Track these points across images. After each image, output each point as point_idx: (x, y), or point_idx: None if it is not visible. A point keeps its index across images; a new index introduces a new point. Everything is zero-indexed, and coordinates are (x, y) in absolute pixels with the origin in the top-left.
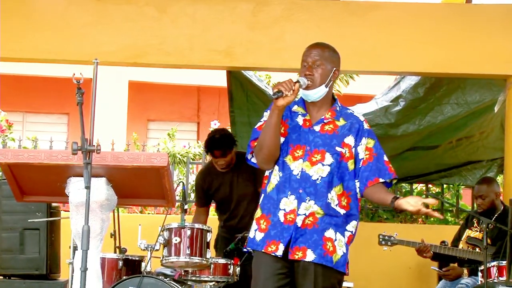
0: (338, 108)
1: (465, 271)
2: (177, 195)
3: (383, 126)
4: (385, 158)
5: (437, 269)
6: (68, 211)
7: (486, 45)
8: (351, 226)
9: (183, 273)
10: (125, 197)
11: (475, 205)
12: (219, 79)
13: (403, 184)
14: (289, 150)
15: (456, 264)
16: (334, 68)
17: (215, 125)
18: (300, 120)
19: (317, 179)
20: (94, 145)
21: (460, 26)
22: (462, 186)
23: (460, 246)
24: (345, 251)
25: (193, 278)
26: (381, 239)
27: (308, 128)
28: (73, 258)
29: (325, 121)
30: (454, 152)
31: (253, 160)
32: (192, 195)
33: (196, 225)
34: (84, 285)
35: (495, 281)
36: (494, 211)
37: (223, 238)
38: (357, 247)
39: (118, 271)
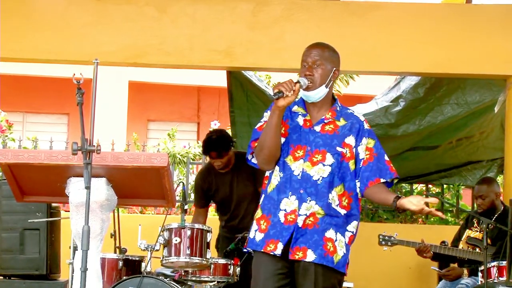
0: (338, 108)
1: (465, 271)
2: (177, 195)
3: (383, 126)
4: (386, 158)
5: (437, 269)
6: (68, 211)
7: (486, 45)
8: (352, 226)
9: (183, 273)
10: (125, 197)
11: (475, 205)
12: (219, 79)
13: (403, 184)
14: (289, 150)
15: (456, 264)
16: (334, 68)
17: (215, 125)
18: (300, 120)
19: (318, 179)
20: (94, 145)
21: (460, 26)
22: (462, 186)
23: (460, 246)
24: (345, 251)
25: (193, 278)
26: (381, 239)
27: (308, 129)
28: (73, 258)
29: (325, 121)
30: (454, 152)
31: (254, 160)
32: (192, 195)
33: (196, 225)
34: (84, 285)
35: (495, 281)
36: (494, 211)
37: (224, 238)
38: (357, 247)
39: (118, 271)
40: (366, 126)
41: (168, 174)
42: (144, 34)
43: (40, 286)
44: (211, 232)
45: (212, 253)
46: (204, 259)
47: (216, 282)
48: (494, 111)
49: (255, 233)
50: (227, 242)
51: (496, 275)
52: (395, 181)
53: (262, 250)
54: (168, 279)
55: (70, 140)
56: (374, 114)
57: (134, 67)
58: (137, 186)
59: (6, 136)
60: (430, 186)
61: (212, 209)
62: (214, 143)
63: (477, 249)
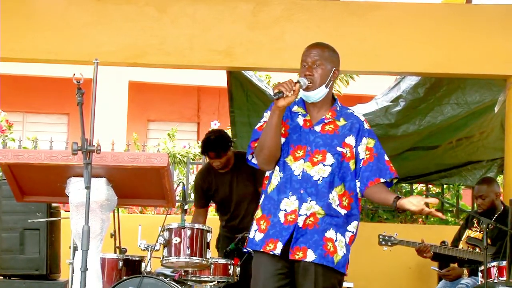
0: (338, 108)
1: (465, 271)
2: (177, 195)
3: (383, 126)
4: (386, 158)
5: (437, 269)
6: (68, 211)
7: (486, 45)
8: (352, 226)
9: (183, 274)
10: (125, 197)
11: (475, 205)
12: (219, 79)
13: (403, 184)
14: (289, 150)
15: (456, 264)
16: (334, 68)
17: (215, 125)
18: (300, 120)
19: (318, 179)
20: (94, 145)
21: (460, 26)
22: (462, 186)
23: (460, 246)
24: (345, 251)
25: (193, 278)
26: (381, 239)
27: (308, 129)
28: (73, 258)
29: (325, 121)
30: (454, 152)
31: (254, 161)
32: (192, 195)
33: (196, 225)
34: (84, 285)
35: (495, 281)
36: (494, 211)
37: (225, 237)
38: (357, 247)
39: (118, 271)
40: (366, 126)
41: (168, 174)
42: (144, 34)
43: (40, 286)
44: (211, 232)
45: (212, 253)
46: (204, 259)
47: (216, 282)
48: (494, 111)
49: (255, 233)
50: (227, 242)
51: (496, 275)
52: (395, 181)
53: (262, 250)
54: (168, 279)
55: (70, 140)
56: (374, 114)
57: (134, 67)
58: (137, 186)
59: (6, 136)
60: (430, 186)
61: (212, 209)
62: (213, 143)
63: (477, 249)
